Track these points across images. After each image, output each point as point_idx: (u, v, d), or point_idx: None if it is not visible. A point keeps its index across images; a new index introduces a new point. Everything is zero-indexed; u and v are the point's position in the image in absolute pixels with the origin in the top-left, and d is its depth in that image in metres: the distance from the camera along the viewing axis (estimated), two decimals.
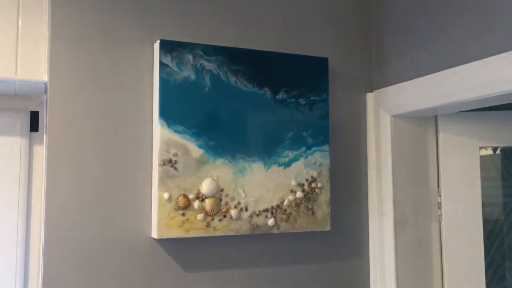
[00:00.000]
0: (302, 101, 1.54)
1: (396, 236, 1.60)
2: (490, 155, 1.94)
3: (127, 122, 1.38)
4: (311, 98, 1.55)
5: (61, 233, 1.29)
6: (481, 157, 1.68)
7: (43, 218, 1.30)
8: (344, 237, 1.62)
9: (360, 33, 1.70)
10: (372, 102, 1.70)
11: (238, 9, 1.53)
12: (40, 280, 1.28)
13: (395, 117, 1.63)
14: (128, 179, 1.37)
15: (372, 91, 1.71)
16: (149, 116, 1.39)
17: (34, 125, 1.42)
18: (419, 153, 1.66)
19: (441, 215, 1.67)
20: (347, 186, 1.64)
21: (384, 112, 1.65)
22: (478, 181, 1.65)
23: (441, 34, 1.45)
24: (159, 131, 1.36)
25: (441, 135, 1.69)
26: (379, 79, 1.70)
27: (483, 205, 1.65)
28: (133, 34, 1.40)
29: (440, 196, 1.67)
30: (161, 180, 1.35)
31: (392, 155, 1.62)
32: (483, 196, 1.65)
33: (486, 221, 1.70)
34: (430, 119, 1.69)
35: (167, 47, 1.38)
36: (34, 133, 1.42)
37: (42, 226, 1.31)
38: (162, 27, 1.43)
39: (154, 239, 1.37)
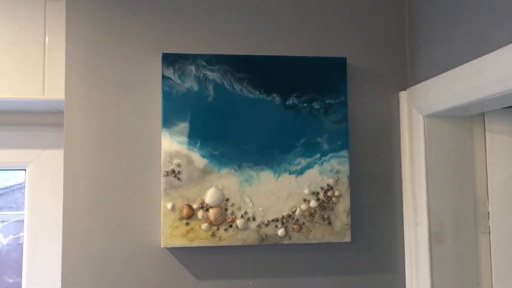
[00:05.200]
0: (316, 105, 1.47)
1: (431, 249, 1.45)
2: None
3: (138, 134, 1.44)
4: (327, 102, 1.47)
5: (78, 243, 1.39)
6: None
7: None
8: (369, 248, 1.50)
9: (387, 26, 1.57)
10: (405, 101, 1.55)
11: (252, 17, 1.51)
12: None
13: (428, 117, 1.47)
14: (140, 189, 1.43)
15: (405, 90, 1.56)
16: (158, 128, 1.44)
17: None
18: (460, 156, 1.48)
19: (489, 226, 1.47)
20: (374, 194, 1.52)
21: (416, 112, 1.50)
22: None
23: (479, 15, 1.25)
24: (162, 142, 1.40)
25: (488, 135, 1.49)
26: (412, 76, 1.55)
27: None
28: (142, 49, 1.46)
29: (488, 205, 1.47)
30: (165, 191, 1.39)
31: (425, 160, 1.47)
32: None
33: None
34: (474, 118, 1.50)
35: (169, 60, 1.42)
36: None
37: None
38: (168, 40, 1.47)
39: (164, 248, 1.41)
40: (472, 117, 1.49)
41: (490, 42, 1.19)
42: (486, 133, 1.48)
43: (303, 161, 1.45)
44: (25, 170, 1.72)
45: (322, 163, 1.45)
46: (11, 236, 1.90)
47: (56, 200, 1.39)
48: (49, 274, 1.69)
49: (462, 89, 1.28)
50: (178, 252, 1.42)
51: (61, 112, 1.54)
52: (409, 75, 1.57)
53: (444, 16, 1.39)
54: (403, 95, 1.56)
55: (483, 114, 1.49)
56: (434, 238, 1.45)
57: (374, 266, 1.51)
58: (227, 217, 1.40)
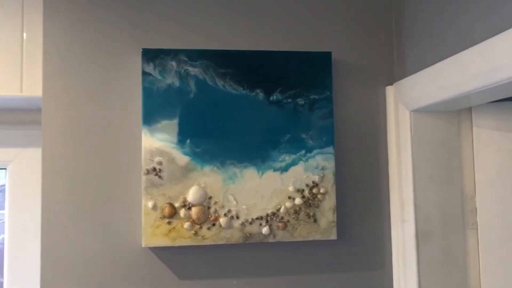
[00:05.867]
0: (300, 101, 1.44)
1: (418, 246, 1.42)
2: None
3: (118, 132, 1.41)
4: (312, 97, 1.44)
5: (56, 243, 1.36)
6: None
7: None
8: (355, 246, 1.48)
9: (373, 19, 1.54)
10: (391, 96, 1.52)
11: (235, 11, 1.48)
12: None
13: (415, 112, 1.45)
14: (121, 188, 1.40)
15: (391, 84, 1.53)
16: (138, 125, 1.41)
17: None
18: (447, 152, 1.46)
19: (477, 222, 1.45)
20: (361, 191, 1.49)
21: (403, 107, 1.47)
22: None
23: (464, 8, 1.22)
24: (143, 140, 1.37)
25: (475, 130, 1.46)
26: (399, 70, 1.52)
27: None
28: (122, 45, 1.42)
29: (476, 200, 1.45)
30: (146, 189, 1.36)
31: (412, 155, 1.44)
32: None
33: None
34: (461, 113, 1.47)
35: (150, 55, 1.39)
36: None
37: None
38: (148, 35, 1.43)
39: (146, 248, 1.38)
40: (459, 112, 1.47)
41: (475, 35, 1.16)
42: (474, 128, 1.46)
43: (288, 158, 1.42)
44: (5, 169, 1.69)
45: (307, 160, 1.42)
46: None
47: (38, 199, 1.36)
48: (32, 274, 1.66)
49: (447, 83, 1.25)
50: (160, 251, 1.39)
51: (41, 109, 1.51)
52: (396, 69, 1.54)
53: (430, 8, 1.37)
54: (390, 90, 1.53)
55: (470, 109, 1.47)
56: (421, 235, 1.43)
57: (361, 264, 1.48)
58: (210, 216, 1.38)
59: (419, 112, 1.45)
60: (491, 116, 1.44)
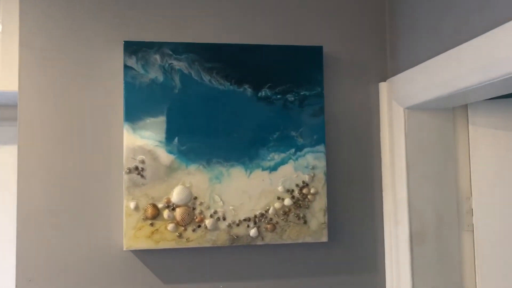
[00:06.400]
0: (290, 97, 1.38)
1: (412, 248, 1.37)
2: None
3: (98, 129, 1.34)
4: (302, 93, 1.38)
5: (33, 245, 1.29)
6: None
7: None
8: (347, 248, 1.42)
9: (366, 12, 1.48)
10: (385, 92, 1.47)
11: (222, 2, 1.41)
12: None
13: (409, 109, 1.39)
14: (101, 188, 1.33)
15: (385, 80, 1.48)
16: (120, 122, 1.34)
17: None
18: (442, 150, 1.40)
19: (473, 223, 1.40)
20: (353, 191, 1.44)
21: (397, 104, 1.42)
22: None
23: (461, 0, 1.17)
24: (125, 137, 1.30)
25: (471, 128, 1.41)
26: (392, 66, 1.47)
27: None
28: (103, 37, 1.35)
29: (472, 201, 1.40)
30: (127, 189, 1.29)
31: (406, 154, 1.39)
32: None
33: None
34: (457, 110, 1.42)
35: (132, 48, 1.32)
36: None
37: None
38: (131, 26, 1.37)
39: (127, 250, 1.31)
40: (455, 109, 1.42)
41: (471, 28, 1.11)
42: (470, 126, 1.41)
43: (277, 157, 1.36)
44: None
45: (297, 159, 1.37)
46: None
47: (14, 200, 1.29)
48: (6, 278, 1.59)
49: (443, 79, 1.20)
50: (142, 254, 1.33)
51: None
52: (389, 65, 1.49)
53: (425, 1, 1.31)
54: (383, 86, 1.47)
55: (466, 106, 1.42)
56: (415, 236, 1.37)
57: (353, 267, 1.43)
58: (195, 217, 1.31)
59: (413, 109, 1.39)
60: (488, 114, 1.39)
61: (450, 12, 1.19)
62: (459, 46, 1.12)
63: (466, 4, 1.13)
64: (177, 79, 1.33)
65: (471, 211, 1.40)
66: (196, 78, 1.34)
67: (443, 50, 1.19)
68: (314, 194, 1.37)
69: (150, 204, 1.29)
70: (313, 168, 1.37)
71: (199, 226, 1.31)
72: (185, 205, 1.31)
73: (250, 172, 1.35)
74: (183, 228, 1.30)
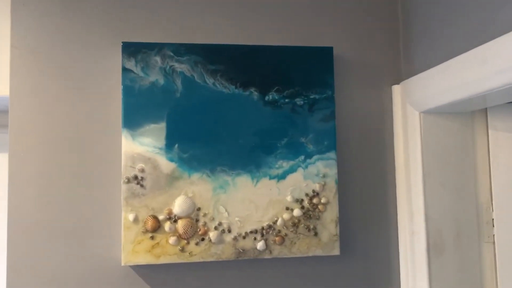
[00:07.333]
0: (299, 101, 1.30)
1: (429, 261, 1.29)
2: None
3: (94, 136, 1.26)
4: (311, 97, 1.31)
5: (24, 260, 1.21)
6: None
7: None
8: (360, 262, 1.34)
9: (378, 11, 1.41)
10: (398, 96, 1.39)
11: (227, 0, 1.34)
12: None
13: (425, 113, 1.31)
14: (97, 199, 1.25)
15: (399, 83, 1.40)
16: (118, 128, 1.26)
17: None
18: (461, 157, 1.33)
19: (494, 234, 1.32)
20: (366, 201, 1.36)
21: (412, 108, 1.34)
22: None
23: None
24: (123, 144, 1.22)
25: (491, 133, 1.33)
26: (407, 67, 1.39)
27: None
28: (100, 38, 1.28)
29: (492, 210, 1.32)
30: (126, 200, 1.21)
31: (422, 161, 1.31)
32: None
33: None
34: (476, 114, 1.34)
35: (131, 49, 1.24)
36: None
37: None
38: (129, 27, 1.29)
39: (126, 266, 1.23)
40: (474, 113, 1.34)
41: (499, 25, 1.03)
42: (489, 131, 1.33)
43: (285, 164, 1.28)
44: None
45: (306, 166, 1.29)
46: None
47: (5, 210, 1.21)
48: None
49: (463, 80, 1.12)
50: (142, 270, 1.24)
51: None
52: (403, 66, 1.41)
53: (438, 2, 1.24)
54: (397, 89, 1.40)
55: (485, 110, 1.34)
56: (433, 248, 1.30)
57: (367, 282, 1.35)
58: (198, 229, 1.23)
59: (429, 113, 1.32)
60: (510, 117, 1.32)
61: (474, 7, 1.11)
62: (484, 45, 1.04)
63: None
64: (178, 82, 1.25)
65: (491, 222, 1.32)
66: (199, 81, 1.26)
67: (465, 49, 1.11)
68: (325, 204, 1.29)
69: (150, 216, 1.21)
70: (324, 176, 1.29)
71: (203, 239, 1.23)
72: (188, 216, 1.23)
73: (257, 181, 1.27)
74: (185, 241, 1.23)
